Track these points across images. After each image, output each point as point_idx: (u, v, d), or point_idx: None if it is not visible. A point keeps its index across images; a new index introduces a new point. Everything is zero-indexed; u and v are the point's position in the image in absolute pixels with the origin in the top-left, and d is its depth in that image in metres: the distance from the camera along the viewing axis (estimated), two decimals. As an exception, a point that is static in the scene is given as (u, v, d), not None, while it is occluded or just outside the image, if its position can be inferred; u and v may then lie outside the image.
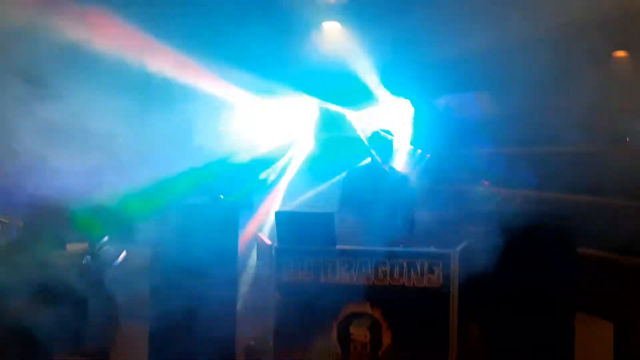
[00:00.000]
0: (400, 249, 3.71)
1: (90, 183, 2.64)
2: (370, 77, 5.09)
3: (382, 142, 4.27)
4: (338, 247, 3.71)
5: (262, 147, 4.54)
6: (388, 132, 4.33)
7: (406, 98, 5.29)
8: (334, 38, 5.44)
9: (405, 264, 3.63)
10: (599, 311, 4.32)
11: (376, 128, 4.38)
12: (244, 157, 4.24)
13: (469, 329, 3.97)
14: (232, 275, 3.83)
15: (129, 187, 2.80)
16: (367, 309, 3.66)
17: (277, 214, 3.85)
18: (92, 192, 2.66)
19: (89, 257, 2.75)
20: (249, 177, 4.50)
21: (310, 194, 4.66)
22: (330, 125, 4.95)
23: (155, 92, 2.94)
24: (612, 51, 6.00)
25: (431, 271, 3.62)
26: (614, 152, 5.02)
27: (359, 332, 3.66)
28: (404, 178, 4.41)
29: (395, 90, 5.27)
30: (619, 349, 4.10)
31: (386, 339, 3.66)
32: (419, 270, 3.62)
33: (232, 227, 3.84)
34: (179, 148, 3.14)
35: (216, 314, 3.78)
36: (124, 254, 2.96)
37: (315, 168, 4.89)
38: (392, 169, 4.40)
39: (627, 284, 4.50)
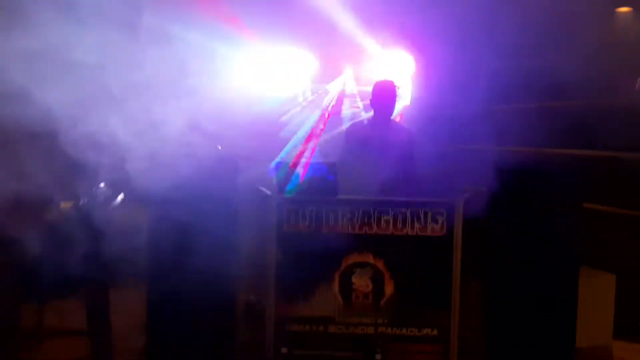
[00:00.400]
0: (403, 198, 3.63)
1: (79, 114, 2.52)
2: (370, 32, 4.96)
3: (385, 95, 4.17)
4: (340, 196, 3.64)
5: (260, 96, 4.43)
6: (391, 83, 4.23)
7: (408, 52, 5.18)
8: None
9: (408, 213, 3.57)
10: (601, 264, 4.31)
11: (379, 79, 4.28)
12: (241, 106, 4.12)
13: (470, 285, 3.95)
14: (230, 227, 3.74)
15: (121, 122, 2.68)
16: (369, 259, 3.61)
17: (277, 164, 3.76)
18: (82, 125, 2.54)
19: (85, 198, 2.66)
20: (247, 128, 4.38)
21: (311, 146, 4.56)
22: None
23: (147, 28, 2.81)
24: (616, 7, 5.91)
25: (435, 220, 3.57)
26: (615, 105, 4.97)
27: (361, 282, 3.62)
28: (407, 131, 4.34)
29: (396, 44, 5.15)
30: (621, 300, 4.11)
31: (388, 289, 3.62)
32: (422, 220, 3.57)
33: (231, 178, 3.74)
34: (173, 87, 3.01)
35: (215, 265, 3.70)
36: (121, 196, 2.88)
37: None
38: (395, 122, 4.33)
39: (629, 236, 4.50)
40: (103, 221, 2.76)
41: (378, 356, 3.63)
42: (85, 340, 3.28)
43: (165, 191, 3.51)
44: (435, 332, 3.61)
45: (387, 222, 3.58)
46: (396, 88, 4.21)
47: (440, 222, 3.56)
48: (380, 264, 3.61)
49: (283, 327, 3.65)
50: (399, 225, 3.58)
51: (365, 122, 4.35)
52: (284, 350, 3.66)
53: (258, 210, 3.81)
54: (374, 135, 4.15)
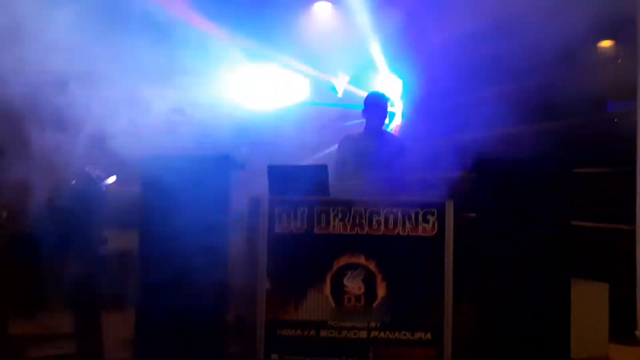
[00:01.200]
0: (395, 198, 3.65)
1: (59, 91, 2.54)
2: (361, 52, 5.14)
3: (377, 105, 4.28)
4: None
5: (254, 108, 4.51)
6: (382, 95, 4.34)
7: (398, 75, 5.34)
8: (326, 17, 5.53)
9: (399, 213, 3.58)
10: (593, 275, 4.30)
11: (371, 90, 4.40)
12: (234, 115, 4.20)
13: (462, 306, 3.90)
14: (224, 232, 3.72)
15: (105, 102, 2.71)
16: (361, 260, 3.59)
17: (270, 167, 3.79)
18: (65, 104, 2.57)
19: (74, 180, 2.66)
20: (240, 137, 4.45)
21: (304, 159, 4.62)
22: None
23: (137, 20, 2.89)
24: (600, 40, 6.13)
25: (426, 220, 3.58)
26: (597, 124, 5.12)
27: (353, 284, 3.59)
28: (398, 140, 4.42)
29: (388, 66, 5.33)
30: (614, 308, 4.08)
31: (381, 291, 3.58)
32: (413, 219, 3.58)
33: (224, 182, 3.74)
34: (160, 80, 3.07)
35: (207, 270, 3.66)
36: (113, 177, 2.88)
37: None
38: (386, 132, 4.42)
39: (617, 248, 4.52)
40: (95, 201, 2.75)
41: (371, 361, 3.55)
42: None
43: (157, 189, 3.53)
44: (428, 335, 3.55)
45: (379, 222, 3.58)
46: (387, 100, 4.31)
47: (431, 222, 3.57)
48: (372, 265, 3.58)
49: (274, 332, 3.58)
50: (391, 225, 3.58)
51: (358, 133, 4.43)
52: (274, 357, 3.57)
53: (250, 212, 3.80)
54: (366, 146, 4.23)
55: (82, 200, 2.64)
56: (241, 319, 4.34)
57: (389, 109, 4.38)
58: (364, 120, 4.35)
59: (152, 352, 3.61)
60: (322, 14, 5.50)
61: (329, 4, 5.53)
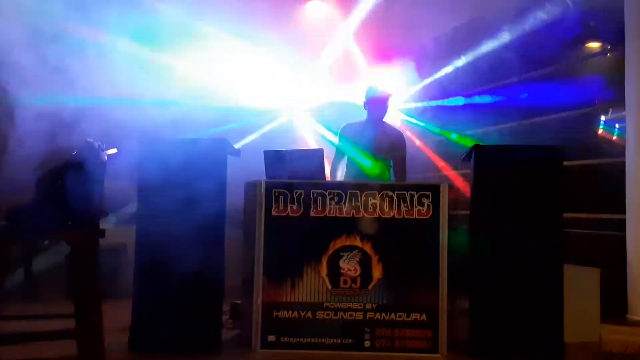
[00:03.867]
0: (390, 182, 3.70)
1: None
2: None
3: (377, 97, 4.33)
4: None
5: (253, 99, 4.57)
6: (383, 86, 4.40)
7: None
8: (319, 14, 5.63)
9: (395, 196, 3.63)
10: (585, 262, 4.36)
11: (371, 84, 4.45)
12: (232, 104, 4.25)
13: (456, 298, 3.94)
14: (220, 215, 3.74)
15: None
16: (356, 242, 3.63)
17: (266, 152, 3.83)
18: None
19: (76, 151, 2.69)
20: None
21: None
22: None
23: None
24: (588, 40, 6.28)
25: (421, 203, 3.63)
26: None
27: (349, 266, 3.62)
28: (398, 132, 4.48)
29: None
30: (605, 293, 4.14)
31: (376, 272, 3.62)
32: (408, 202, 3.63)
33: (220, 164, 3.76)
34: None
35: (204, 255, 3.68)
36: (114, 149, 2.91)
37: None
38: (387, 123, 4.47)
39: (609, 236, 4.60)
40: (96, 171, 2.77)
41: (367, 343, 3.58)
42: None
43: (152, 175, 3.56)
44: (424, 317, 3.59)
45: (374, 205, 3.63)
46: (387, 92, 4.37)
47: (426, 204, 3.62)
48: (367, 247, 3.62)
49: (270, 314, 3.60)
50: (386, 208, 3.62)
51: (358, 122, 4.47)
52: (271, 338, 3.59)
53: (246, 196, 3.83)
54: (366, 135, 4.28)
55: (83, 170, 2.66)
56: (236, 307, 4.35)
57: (389, 101, 4.41)
58: (365, 110, 4.40)
59: (149, 337, 3.62)
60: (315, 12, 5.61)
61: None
